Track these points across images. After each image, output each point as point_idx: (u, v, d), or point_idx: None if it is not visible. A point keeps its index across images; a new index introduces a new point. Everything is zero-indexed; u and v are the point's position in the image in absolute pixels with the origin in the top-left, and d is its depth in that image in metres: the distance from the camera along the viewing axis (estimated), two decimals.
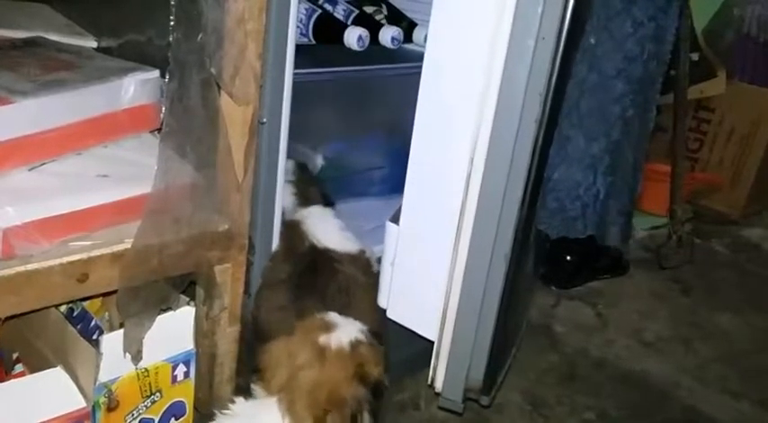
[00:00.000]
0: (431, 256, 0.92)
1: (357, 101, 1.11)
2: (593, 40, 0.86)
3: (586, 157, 0.92)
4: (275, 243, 0.98)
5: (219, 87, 0.76)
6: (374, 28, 1.16)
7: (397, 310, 0.97)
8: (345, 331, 0.81)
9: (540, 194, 0.92)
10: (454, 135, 0.85)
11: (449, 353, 0.94)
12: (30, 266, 0.68)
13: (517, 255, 0.91)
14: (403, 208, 0.92)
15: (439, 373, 0.96)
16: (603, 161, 0.93)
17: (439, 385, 0.96)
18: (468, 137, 0.84)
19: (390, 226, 0.95)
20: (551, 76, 0.79)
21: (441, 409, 1.02)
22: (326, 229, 0.97)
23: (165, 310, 0.81)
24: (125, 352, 0.77)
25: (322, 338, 0.79)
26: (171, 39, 0.71)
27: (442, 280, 0.91)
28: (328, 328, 0.81)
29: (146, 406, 0.83)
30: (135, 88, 0.81)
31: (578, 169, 0.92)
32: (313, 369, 0.76)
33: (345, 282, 0.93)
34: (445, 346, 0.94)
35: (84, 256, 0.72)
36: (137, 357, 0.78)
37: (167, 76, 0.71)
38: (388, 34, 1.16)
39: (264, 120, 0.88)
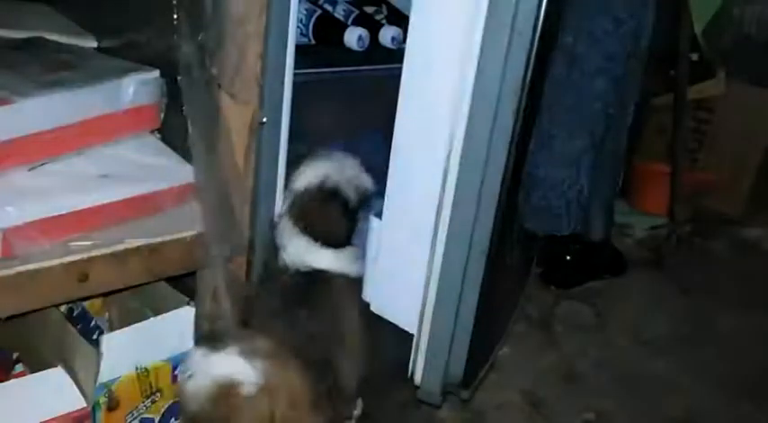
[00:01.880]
0: (411, 250, 0.93)
1: (357, 101, 1.11)
2: (571, 39, 0.86)
3: (570, 154, 0.92)
4: None
5: (220, 87, 0.76)
6: (374, 28, 1.17)
7: (379, 303, 0.98)
8: None
9: (520, 190, 0.93)
10: (432, 130, 0.87)
11: (427, 346, 0.95)
12: (30, 266, 0.68)
13: (497, 250, 0.92)
14: (385, 203, 0.93)
15: (418, 366, 0.97)
16: (586, 158, 0.94)
17: (418, 378, 0.97)
18: (444, 131, 0.85)
19: (373, 220, 0.96)
20: (527, 70, 0.80)
21: (420, 401, 1.03)
22: None
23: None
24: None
25: None
26: (172, 39, 0.71)
27: (420, 274, 0.92)
28: None
29: (146, 406, 0.83)
30: (135, 88, 0.81)
31: (562, 166, 0.93)
32: None
33: None
34: (424, 339, 0.95)
35: (84, 255, 0.72)
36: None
37: (168, 77, 0.72)
38: (388, 34, 1.17)
39: (265, 119, 0.88)
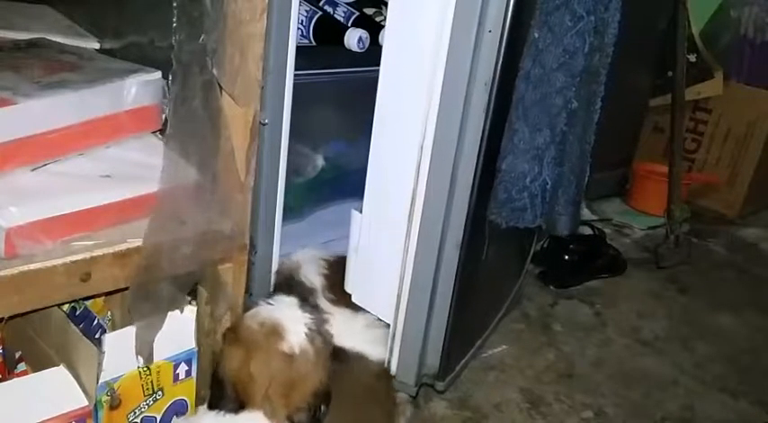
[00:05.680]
0: (387, 242, 0.95)
1: (357, 102, 1.12)
2: (536, 34, 0.87)
3: (531, 148, 0.92)
4: (276, 243, 0.99)
5: (221, 88, 0.77)
6: (374, 29, 1.17)
7: (359, 294, 1.00)
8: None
9: (493, 184, 0.94)
10: (405, 125, 0.89)
11: (402, 337, 0.96)
12: (32, 266, 0.69)
13: (475, 244, 0.92)
14: (365, 196, 0.94)
15: (394, 356, 0.98)
16: (549, 152, 0.94)
17: (394, 368, 0.98)
18: (417, 127, 0.87)
19: (354, 213, 0.97)
20: (497, 67, 0.81)
21: (401, 391, 1.04)
22: None
23: None
24: (137, 354, 0.78)
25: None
26: (173, 40, 0.71)
27: (396, 266, 0.94)
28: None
29: (148, 404, 0.84)
30: (137, 89, 0.81)
31: (524, 160, 0.93)
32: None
33: None
34: (399, 329, 0.97)
35: (86, 255, 0.72)
36: (148, 359, 0.79)
37: (170, 78, 0.72)
38: None
39: (266, 121, 0.89)
